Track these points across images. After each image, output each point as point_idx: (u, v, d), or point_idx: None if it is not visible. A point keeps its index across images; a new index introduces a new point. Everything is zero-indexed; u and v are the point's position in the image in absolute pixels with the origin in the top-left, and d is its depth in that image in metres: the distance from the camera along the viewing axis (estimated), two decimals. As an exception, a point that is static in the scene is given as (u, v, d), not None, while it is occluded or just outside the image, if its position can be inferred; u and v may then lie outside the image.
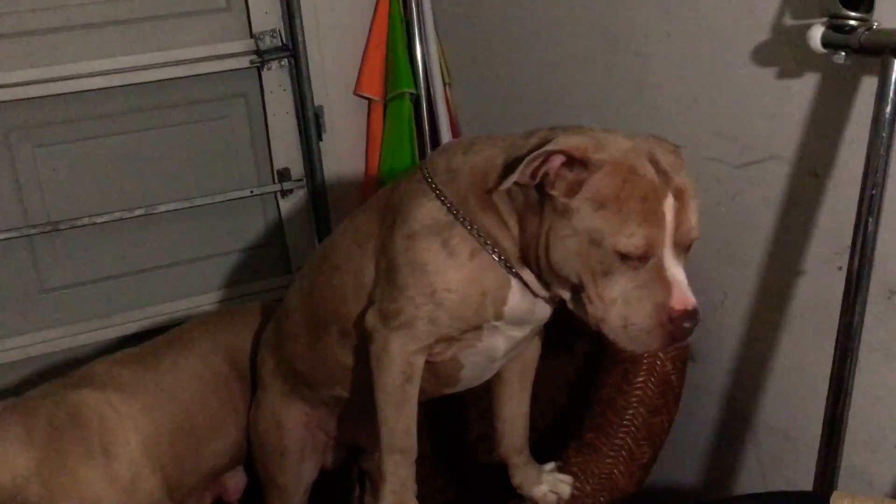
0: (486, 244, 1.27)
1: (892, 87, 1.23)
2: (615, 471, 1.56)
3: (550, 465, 1.59)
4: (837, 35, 1.28)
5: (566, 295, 1.24)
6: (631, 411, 1.59)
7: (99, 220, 2.26)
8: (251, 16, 2.30)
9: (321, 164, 2.45)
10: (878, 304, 1.37)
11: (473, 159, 1.29)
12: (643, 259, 1.14)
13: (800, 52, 1.39)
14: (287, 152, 2.44)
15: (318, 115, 2.41)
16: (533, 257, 1.24)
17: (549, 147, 1.16)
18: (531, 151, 1.17)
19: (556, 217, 1.18)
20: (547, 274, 1.23)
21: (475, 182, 1.27)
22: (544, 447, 1.64)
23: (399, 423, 1.37)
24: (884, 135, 1.24)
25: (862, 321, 1.32)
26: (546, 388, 1.66)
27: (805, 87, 1.42)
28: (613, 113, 1.84)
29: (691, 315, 1.15)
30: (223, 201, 2.38)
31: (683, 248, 1.18)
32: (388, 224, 1.37)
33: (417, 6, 2.33)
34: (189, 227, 2.39)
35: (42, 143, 2.22)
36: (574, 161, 1.16)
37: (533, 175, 1.18)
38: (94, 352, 2.29)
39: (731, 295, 1.66)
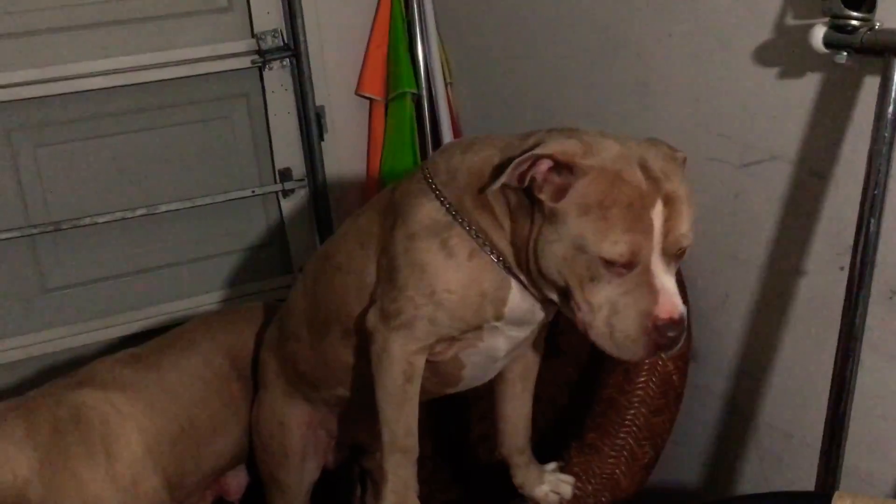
0: (484, 245, 1.27)
1: (894, 88, 1.23)
2: (617, 471, 1.56)
3: (552, 465, 1.59)
4: (839, 35, 1.28)
5: (556, 298, 1.24)
6: (632, 411, 1.59)
7: (100, 219, 2.26)
8: (253, 16, 2.31)
9: (322, 164, 2.45)
10: (880, 305, 1.37)
11: (471, 159, 1.29)
12: (629, 266, 1.13)
13: (802, 52, 1.39)
14: (288, 152, 2.44)
15: (319, 115, 2.41)
16: (524, 260, 1.24)
17: (537, 151, 1.16)
18: (522, 154, 1.17)
19: (545, 221, 1.19)
20: (536, 277, 1.23)
21: (472, 182, 1.27)
22: (546, 447, 1.64)
23: (400, 422, 1.37)
24: (886, 135, 1.24)
25: (864, 321, 1.31)
26: (547, 388, 1.66)
27: (807, 87, 1.42)
28: (615, 113, 1.84)
29: (677, 324, 1.13)
30: (225, 201, 2.38)
31: (674, 255, 1.16)
32: (389, 224, 1.37)
33: (419, 6, 2.33)
34: (190, 226, 2.39)
35: (44, 143, 2.22)
36: (561, 166, 1.15)
37: (520, 179, 1.18)
38: (96, 351, 2.29)
39: (732, 295, 1.66)
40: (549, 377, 1.70)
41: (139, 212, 2.29)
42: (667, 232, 1.14)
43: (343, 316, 1.46)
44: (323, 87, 2.41)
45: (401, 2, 2.35)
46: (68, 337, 2.30)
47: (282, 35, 2.33)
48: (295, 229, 2.50)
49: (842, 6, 1.26)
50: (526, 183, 1.18)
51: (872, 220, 1.27)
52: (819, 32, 1.30)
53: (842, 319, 1.33)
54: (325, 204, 2.48)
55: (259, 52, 2.31)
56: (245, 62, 2.32)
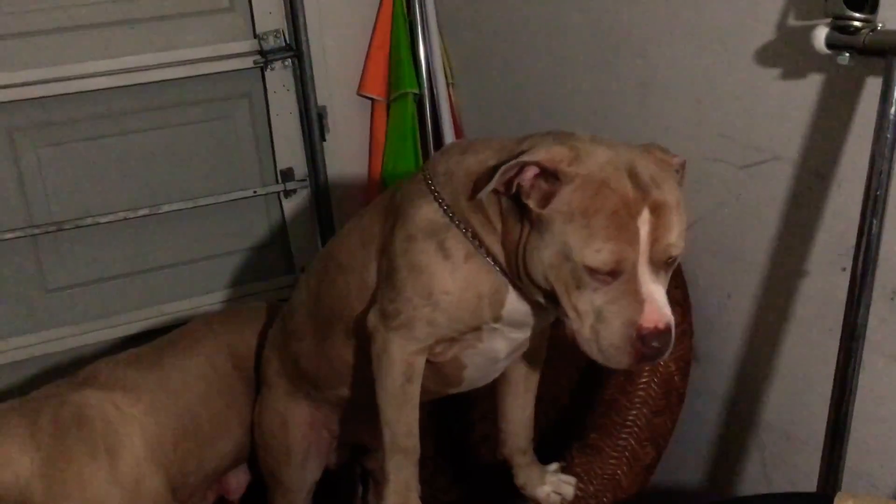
0: (479, 248, 1.27)
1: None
2: (618, 471, 1.56)
3: (554, 466, 1.59)
4: (841, 36, 1.28)
5: (544, 302, 1.24)
6: (634, 412, 1.59)
7: (103, 219, 2.26)
8: (255, 16, 2.31)
9: (324, 165, 2.45)
10: (882, 306, 1.37)
11: (468, 162, 1.29)
12: (613, 274, 1.13)
13: (804, 53, 1.39)
14: (290, 152, 2.44)
15: (321, 116, 2.41)
16: (514, 264, 1.24)
17: (523, 158, 1.16)
18: (510, 160, 1.17)
19: (532, 227, 1.19)
20: (526, 282, 1.23)
21: (467, 185, 1.27)
22: (548, 447, 1.64)
23: (401, 423, 1.37)
24: (888, 136, 1.24)
25: (866, 322, 1.31)
26: (549, 389, 1.66)
27: (809, 87, 1.42)
28: (616, 113, 1.84)
29: (662, 333, 1.13)
30: (226, 201, 2.39)
31: (662, 264, 1.15)
32: (389, 225, 1.37)
33: (421, 6, 2.33)
34: (192, 226, 2.40)
35: (46, 143, 2.22)
36: (548, 172, 1.15)
37: (507, 186, 1.18)
38: (98, 351, 2.30)
39: (734, 295, 1.66)
40: (551, 377, 1.70)
41: (141, 212, 2.30)
42: (654, 241, 1.13)
43: (345, 315, 1.46)
44: (325, 87, 2.41)
45: (402, 2, 2.35)
46: (70, 337, 2.30)
47: (284, 35, 2.33)
48: (296, 229, 2.50)
49: (844, 7, 1.26)
50: (513, 190, 1.18)
51: (874, 221, 1.27)
52: (821, 33, 1.29)
53: (844, 320, 1.33)
54: (327, 204, 2.48)
55: (261, 52, 2.32)
56: (247, 62, 2.32)
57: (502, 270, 1.27)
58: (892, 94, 1.23)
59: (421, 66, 2.36)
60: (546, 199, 1.16)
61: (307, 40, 2.33)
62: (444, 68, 2.37)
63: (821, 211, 1.45)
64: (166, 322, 2.33)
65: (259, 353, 1.80)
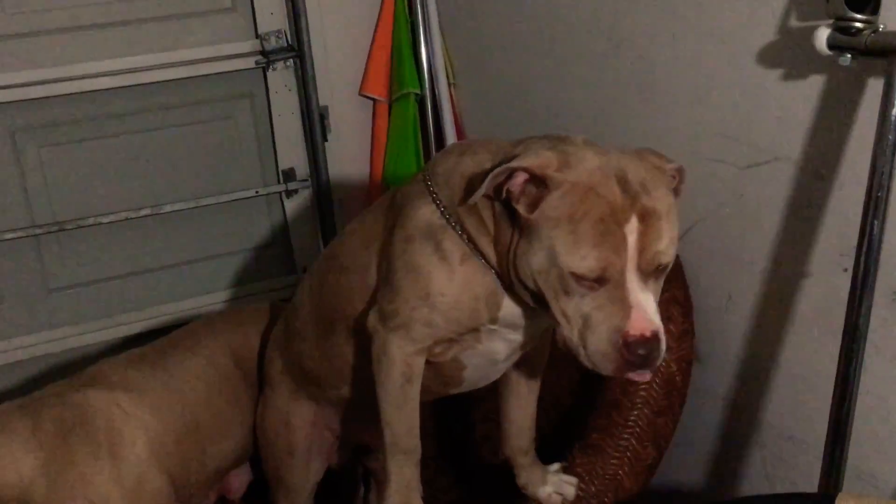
0: (474, 250, 1.27)
1: (898, 89, 1.23)
2: (620, 472, 1.56)
3: (555, 466, 1.59)
4: (843, 37, 1.28)
5: (534, 306, 1.24)
6: (636, 412, 1.59)
7: (105, 220, 2.27)
8: (256, 16, 2.31)
9: (326, 165, 2.45)
10: (884, 306, 1.37)
11: (465, 164, 1.29)
12: (600, 281, 1.12)
13: (805, 53, 1.39)
14: (292, 152, 2.45)
15: (323, 116, 2.42)
16: (505, 267, 1.24)
17: (513, 164, 1.16)
18: (499, 165, 1.17)
19: (522, 232, 1.19)
20: (518, 286, 1.23)
21: (463, 187, 1.27)
22: (549, 448, 1.64)
23: (401, 423, 1.37)
24: (889, 137, 1.24)
25: (867, 323, 1.31)
26: (551, 389, 1.67)
27: (811, 88, 1.42)
28: (618, 114, 1.84)
29: (649, 341, 1.11)
30: (228, 201, 2.39)
31: (652, 272, 1.14)
32: (389, 225, 1.38)
33: (423, 7, 2.33)
34: (194, 227, 2.40)
35: (48, 144, 2.22)
36: (536, 178, 1.15)
37: (497, 191, 1.18)
38: (100, 351, 2.30)
39: (736, 296, 1.66)
40: (553, 378, 1.70)
41: (143, 212, 2.30)
42: (642, 248, 1.12)
43: (347, 315, 1.47)
44: (326, 87, 2.41)
45: (404, 2, 2.35)
46: (72, 337, 2.30)
47: (285, 36, 2.33)
48: (298, 229, 2.51)
49: (845, 8, 1.26)
50: (503, 195, 1.18)
51: (876, 222, 1.27)
52: (823, 34, 1.30)
53: (845, 321, 1.33)
54: (329, 204, 2.48)
55: (263, 52, 2.32)
56: (249, 63, 2.33)
57: (496, 273, 1.27)
58: (894, 96, 1.23)
59: (422, 66, 2.36)
60: (534, 205, 1.16)
61: (309, 40, 2.33)
62: (446, 68, 2.38)
63: (822, 212, 1.46)
64: (168, 322, 2.33)
65: (262, 353, 1.80)
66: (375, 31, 2.41)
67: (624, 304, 1.12)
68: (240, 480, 1.86)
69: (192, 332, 1.82)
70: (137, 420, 1.59)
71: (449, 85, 2.39)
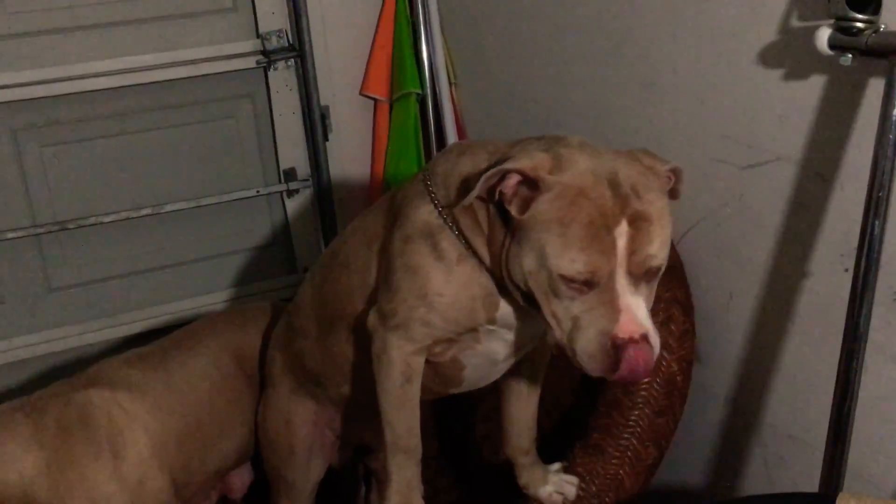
0: (469, 250, 1.27)
1: (898, 90, 1.23)
2: (621, 471, 1.56)
3: (556, 466, 1.59)
4: (844, 37, 1.28)
5: (524, 306, 1.24)
6: (636, 412, 1.60)
7: (106, 219, 2.27)
8: (258, 16, 2.31)
9: (327, 164, 2.45)
10: (885, 306, 1.37)
11: (463, 164, 1.29)
12: (589, 284, 1.13)
13: (806, 53, 1.39)
14: (293, 152, 2.45)
15: (324, 116, 2.42)
16: (499, 268, 1.24)
17: (506, 166, 1.16)
18: (493, 166, 1.17)
19: (514, 233, 1.19)
20: (510, 287, 1.24)
21: (460, 188, 1.27)
22: (550, 447, 1.64)
23: (402, 423, 1.37)
24: (890, 137, 1.24)
25: (868, 323, 1.31)
26: (552, 389, 1.67)
27: (812, 88, 1.42)
28: (619, 114, 1.84)
29: (638, 344, 1.11)
30: (229, 201, 2.39)
31: (642, 275, 1.14)
32: (389, 225, 1.38)
33: (423, 6, 2.33)
34: (195, 226, 2.40)
35: (49, 143, 2.23)
36: (529, 180, 1.16)
37: (490, 193, 1.18)
38: (102, 351, 2.30)
39: (737, 296, 1.66)
40: (554, 378, 1.70)
41: (144, 211, 2.30)
42: (631, 252, 1.12)
43: (348, 314, 1.47)
44: (327, 87, 2.41)
45: (405, 2, 2.35)
46: (74, 336, 2.31)
47: (286, 35, 2.34)
48: (299, 229, 2.51)
49: (847, 8, 1.26)
50: (496, 197, 1.18)
51: (877, 222, 1.27)
52: (824, 34, 1.29)
53: (846, 321, 1.33)
54: (330, 204, 2.48)
55: (264, 52, 2.32)
56: (250, 62, 2.33)
57: (490, 274, 1.27)
58: (895, 96, 1.23)
59: (423, 66, 2.36)
60: (526, 206, 1.16)
61: (310, 40, 2.33)
62: (447, 68, 2.38)
63: (823, 212, 1.46)
64: (169, 321, 2.34)
65: (263, 353, 1.80)
66: (376, 30, 2.41)
67: (613, 308, 1.12)
68: (241, 480, 1.87)
69: (193, 332, 1.82)
70: (139, 420, 1.60)
71: (450, 84, 2.39)
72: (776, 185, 1.52)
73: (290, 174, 2.45)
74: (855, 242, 1.32)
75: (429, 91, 2.37)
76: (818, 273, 1.49)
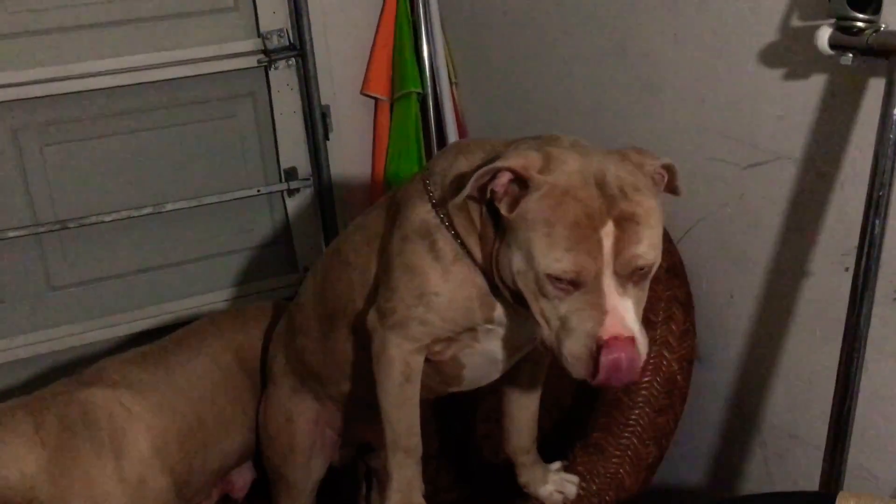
0: (464, 249, 1.27)
1: (899, 89, 1.23)
2: (621, 470, 1.56)
3: (557, 465, 1.59)
4: (845, 36, 1.28)
5: (514, 305, 1.24)
6: (637, 411, 1.60)
7: (107, 218, 2.27)
8: (259, 15, 2.31)
9: (328, 164, 2.45)
10: (885, 306, 1.38)
11: (460, 163, 1.29)
12: (575, 285, 1.12)
13: (807, 53, 1.39)
14: (294, 151, 2.45)
15: (324, 115, 2.42)
16: (490, 267, 1.24)
17: (497, 164, 1.16)
18: (484, 165, 1.18)
19: (503, 233, 1.19)
20: (501, 286, 1.24)
21: (454, 186, 1.28)
22: (551, 446, 1.64)
23: (401, 422, 1.37)
24: (891, 136, 1.24)
25: (868, 322, 1.32)
26: (552, 388, 1.67)
27: (812, 88, 1.42)
28: (620, 114, 1.84)
29: (624, 347, 1.10)
30: (230, 200, 2.39)
31: (630, 276, 1.13)
32: (390, 224, 1.39)
33: (424, 6, 2.33)
34: (196, 225, 2.40)
35: (50, 142, 2.23)
36: (519, 178, 1.16)
37: (481, 191, 1.18)
38: (103, 349, 2.30)
39: (737, 295, 1.66)
40: (554, 377, 1.70)
41: (145, 210, 2.30)
42: (618, 252, 1.11)
43: (349, 311, 1.47)
44: (328, 86, 2.41)
45: (406, 2, 2.35)
46: (75, 335, 2.31)
47: (287, 35, 2.34)
48: (300, 228, 2.51)
49: (847, 7, 1.26)
50: (488, 196, 1.19)
51: (877, 222, 1.27)
52: (825, 34, 1.30)
53: (846, 320, 1.33)
54: (331, 203, 2.49)
55: (265, 51, 2.32)
56: (251, 62, 2.33)
57: (484, 274, 1.27)
58: (895, 95, 1.24)
59: (424, 65, 2.36)
60: (516, 205, 1.16)
61: (311, 39, 2.33)
62: (448, 68, 2.38)
63: (823, 211, 1.46)
64: (170, 321, 2.34)
65: (265, 351, 1.80)
66: (377, 30, 2.41)
67: (599, 309, 1.12)
68: (243, 479, 1.87)
69: (195, 331, 1.82)
70: (140, 418, 1.60)
71: (451, 84, 2.39)
72: (776, 184, 1.52)
73: (290, 173, 2.45)
74: (855, 242, 1.32)
75: (429, 90, 2.37)
76: (818, 272, 1.50)
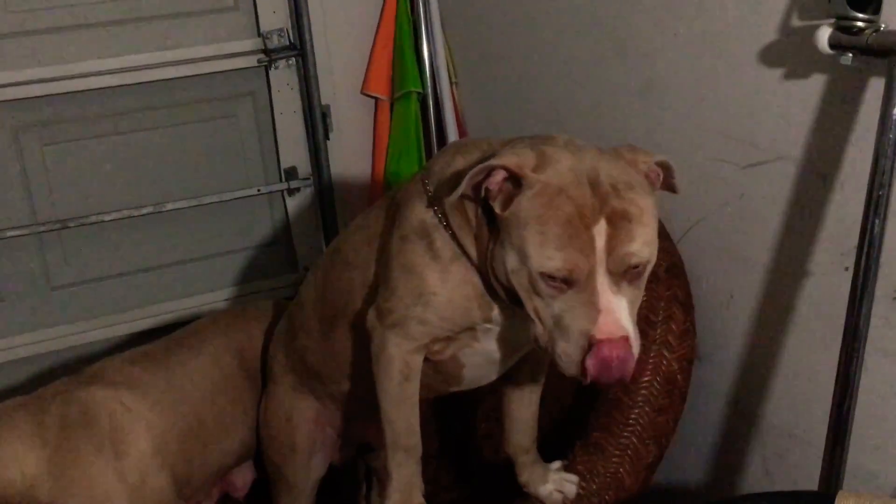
0: (460, 249, 1.28)
1: (898, 89, 1.24)
2: (621, 470, 1.57)
3: (557, 464, 1.59)
4: (845, 36, 1.28)
5: (508, 303, 1.24)
6: (637, 410, 1.60)
7: (107, 217, 2.27)
8: (259, 15, 2.31)
9: (328, 163, 2.45)
10: (884, 305, 1.38)
11: (457, 162, 1.29)
12: (568, 283, 1.12)
13: (807, 53, 1.39)
14: (294, 151, 2.45)
15: (325, 114, 2.42)
16: (485, 267, 1.25)
17: (492, 162, 1.16)
18: (477, 163, 1.18)
19: (498, 231, 1.20)
20: (496, 285, 1.24)
21: (450, 185, 1.27)
22: (551, 446, 1.64)
23: (401, 421, 1.38)
24: (890, 136, 1.25)
25: (868, 322, 1.32)
26: (552, 387, 1.67)
27: (812, 88, 1.42)
28: (620, 113, 1.84)
29: (616, 346, 1.10)
30: (230, 199, 2.39)
31: (624, 274, 1.13)
32: (389, 223, 1.39)
33: (425, 6, 2.33)
34: (196, 225, 2.40)
35: (51, 142, 2.23)
36: (514, 176, 1.16)
37: (475, 190, 1.18)
38: (103, 349, 2.31)
39: (737, 295, 1.66)
40: (555, 376, 1.70)
41: (145, 210, 2.30)
42: (611, 250, 1.11)
43: (350, 311, 1.48)
44: (329, 86, 2.41)
45: (407, 1, 2.35)
46: (75, 334, 2.31)
47: (288, 34, 2.34)
48: (300, 228, 2.51)
49: (847, 7, 1.26)
50: (482, 194, 1.19)
51: (877, 221, 1.28)
52: (824, 33, 1.30)
53: (846, 320, 1.33)
54: (331, 202, 2.49)
55: (265, 51, 2.32)
56: (251, 61, 2.33)
57: (480, 273, 1.27)
58: (895, 95, 1.24)
59: (424, 65, 2.36)
60: (509, 203, 1.16)
61: (311, 39, 2.33)
62: (448, 67, 2.38)
63: (823, 211, 1.46)
64: (170, 320, 2.34)
65: (265, 351, 1.80)
66: (377, 29, 2.41)
67: (593, 307, 1.11)
68: (243, 478, 1.87)
69: (196, 331, 1.83)
70: (141, 418, 1.60)
71: (451, 84, 2.39)
72: (776, 184, 1.53)
73: (290, 173, 2.45)
74: (855, 241, 1.32)
75: (430, 90, 2.37)
76: (818, 272, 1.50)
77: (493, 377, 1.49)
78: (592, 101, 1.91)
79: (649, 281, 1.63)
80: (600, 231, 1.11)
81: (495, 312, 1.31)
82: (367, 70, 2.44)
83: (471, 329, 1.34)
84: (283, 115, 2.41)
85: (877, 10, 1.27)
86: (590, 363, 1.11)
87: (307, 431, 1.68)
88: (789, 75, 1.45)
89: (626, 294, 1.14)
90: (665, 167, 1.22)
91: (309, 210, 2.50)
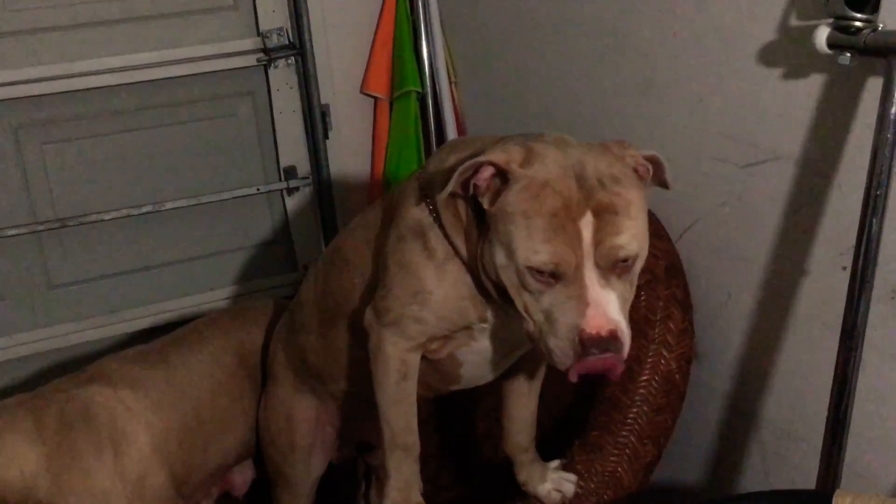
0: (452, 247, 1.28)
1: (896, 89, 1.24)
2: (619, 469, 1.57)
3: (555, 463, 1.59)
4: (843, 36, 1.28)
5: (499, 301, 1.24)
6: (635, 410, 1.60)
7: (106, 216, 2.27)
8: (258, 14, 2.32)
9: (327, 162, 2.46)
10: (882, 304, 1.38)
11: (452, 160, 1.30)
12: (556, 277, 1.12)
13: (805, 52, 1.39)
14: (293, 150, 2.45)
15: (324, 114, 2.42)
16: (475, 265, 1.25)
17: (479, 158, 1.17)
18: (466, 160, 1.18)
19: (487, 227, 1.20)
20: (486, 282, 1.24)
21: (442, 183, 1.28)
22: (549, 445, 1.65)
23: (399, 420, 1.38)
24: (888, 135, 1.25)
25: (866, 321, 1.32)
26: (551, 386, 1.67)
27: (810, 87, 1.42)
28: (619, 112, 1.85)
29: (606, 340, 1.10)
30: (230, 199, 2.39)
31: (612, 267, 1.13)
32: (387, 223, 1.39)
33: (424, 5, 2.34)
34: (195, 224, 2.41)
35: (50, 140, 2.23)
36: (501, 172, 1.16)
37: (464, 186, 1.19)
38: (102, 348, 2.31)
39: (735, 294, 1.66)
40: (553, 375, 1.70)
41: (145, 209, 2.30)
42: (598, 243, 1.11)
43: (349, 310, 1.48)
44: (328, 85, 2.41)
45: (406, 1, 2.35)
46: (75, 333, 2.31)
47: (287, 33, 2.34)
48: (299, 227, 2.51)
49: (845, 7, 1.27)
50: (471, 191, 1.19)
51: (875, 220, 1.28)
52: (823, 33, 1.30)
53: (844, 319, 1.34)
54: (330, 202, 2.49)
55: (265, 50, 2.32)
56: (251, 60, 2.33)
57: (470, 272, 1.28)
58: (893, 94, 1.24)
59: (424, 64, 2.36)
60: (497, 199, 1.16)
61: (310, 38, 2.34)
62: (447, 66, 2.38)
63: (821, 210, 1.46)
64: (170, 319, 2.34)
65: (265, 349, 1.81)
66: (377, 29, 2.41)
67: (581, 301, 1.11)
68: (243, 477, 1.87)
69: (195, 330, 1.83)
70: (140, 416, 1.60)
71: (450, 83, 2.39)
72: (775, 183, 1.53)
73: (290, 172, 2.45)
74: (853, 241, 1.32)
75: (429, 89, 2.38)
76: (817, 271, 1.50)
77: (492, 376, 1.50)
78: (592, 100, 1.92)
79: (648, 280, 1.64)
80: (587, 224, 1.11)
81: (490, 312, 1.31)
82: (367, 69, 2.44)
83: (468, 328, 1.34)
84: (283, 115, 2.41)
85: (875, 9, 1.27)
86: (582, 358, 1.11)
87: (307, 430, 1.68)
88: (787, 75, 1.46)
89: (615, 288, 1.13)
90: (654, 162, 1.22)
91: (308, 209, 2.50)
